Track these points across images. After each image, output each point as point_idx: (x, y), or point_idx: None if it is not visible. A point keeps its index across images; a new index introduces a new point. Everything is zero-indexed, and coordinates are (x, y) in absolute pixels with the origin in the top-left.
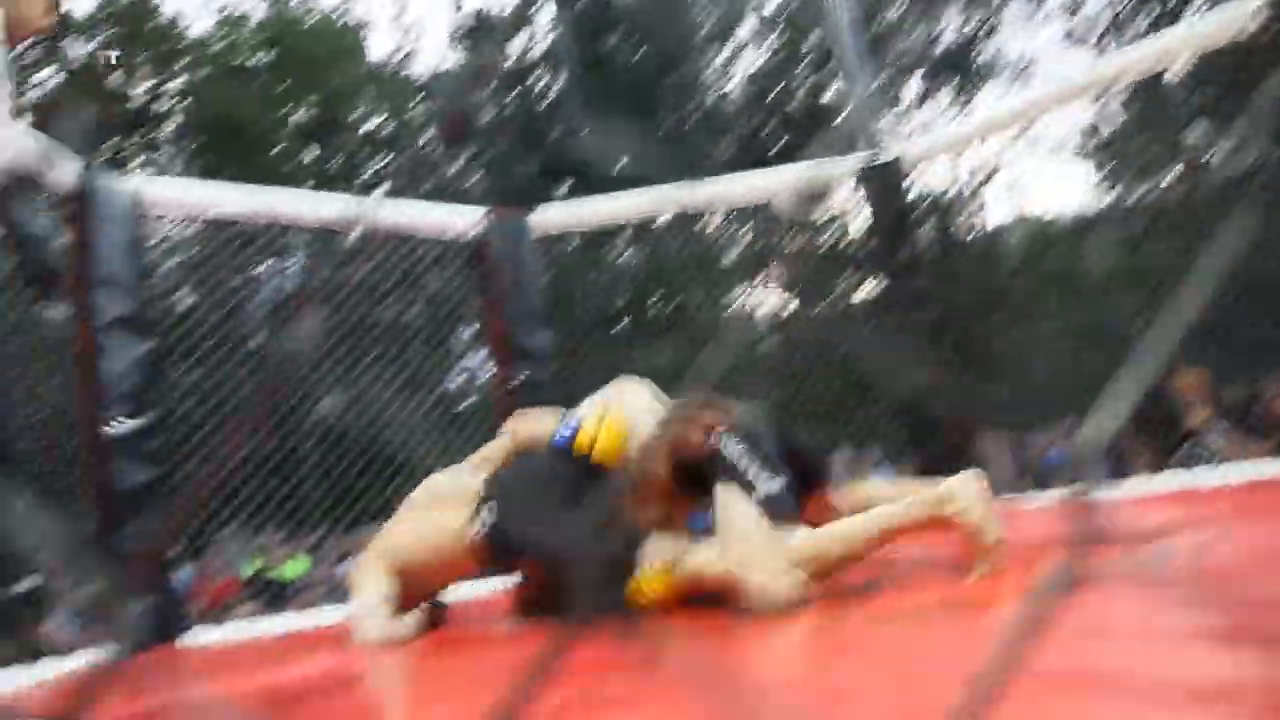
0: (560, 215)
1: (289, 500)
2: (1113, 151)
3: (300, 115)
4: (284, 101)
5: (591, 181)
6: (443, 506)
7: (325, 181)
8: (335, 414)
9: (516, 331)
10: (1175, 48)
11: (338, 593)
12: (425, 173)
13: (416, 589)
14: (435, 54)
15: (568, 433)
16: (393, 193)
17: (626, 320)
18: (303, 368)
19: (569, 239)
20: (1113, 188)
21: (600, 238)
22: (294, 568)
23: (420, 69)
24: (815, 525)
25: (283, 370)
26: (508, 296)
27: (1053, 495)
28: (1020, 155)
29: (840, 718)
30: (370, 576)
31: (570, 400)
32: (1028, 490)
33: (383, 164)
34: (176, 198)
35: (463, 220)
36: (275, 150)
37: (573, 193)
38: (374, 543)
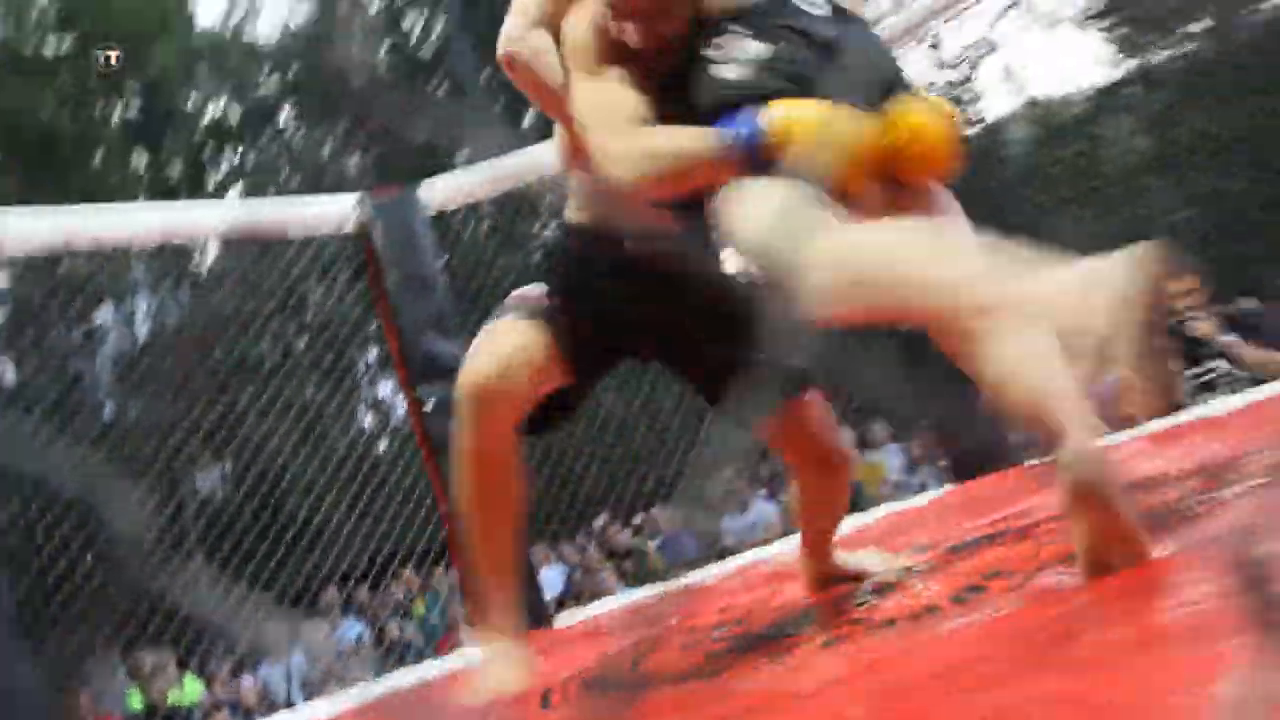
0: (457, 186)
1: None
2: (1119, 12)
3: (121, 110)
4: (100, 95)
5: (495, 141)
6: None
7: (168, 191)
8: (219, 484)
9: (418, 342)
10: None
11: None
12: (292, 161)
13: None
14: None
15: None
16: (251, 190)
17: None
18: (171, 432)
19: (477, 215)
20: (1128, 56)
21: (516, 206)
22: (190, 690)
23: (266, 29)
24: None
25: (145, 439)
26: (401, 299)
27: None
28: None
29: None
30: None
31: None
32: None
33: (236, 157)
34: None
35: (337, 209)
36: (98, 158)
37: (475, 157)
38: None
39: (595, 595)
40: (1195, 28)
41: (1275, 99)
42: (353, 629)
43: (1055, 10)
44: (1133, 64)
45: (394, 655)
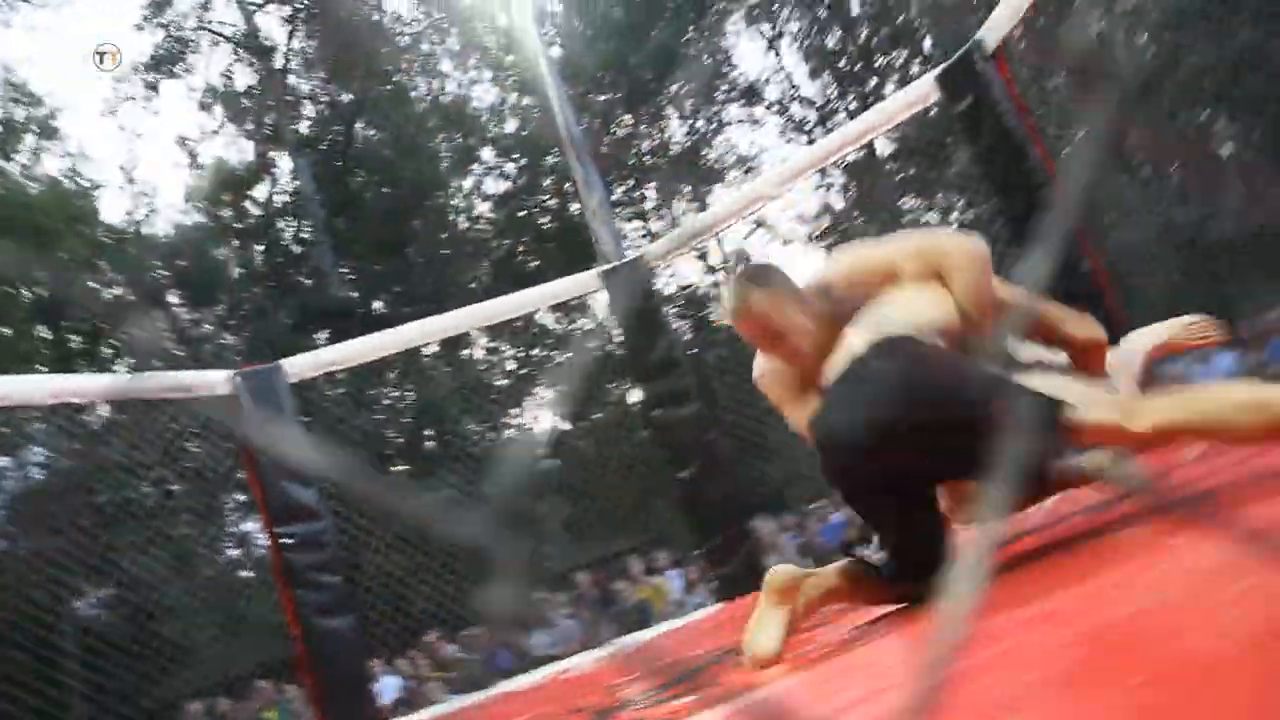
0: (316, 362)
1: None
2: (841, 233)
3: (30, 291)
4: (11, 279)
5: (352, 323)
6: None
7: (67, 359)
8: (100, 609)
9: (280, 489)
10: (874, 125)
11: None
12: (177, 338)
13: None
14: (177, 212)
15: None
16: (140, 364)
17: (401, 462)
18: (56, 564)
19: (333, 386)
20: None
21: (366, 380)
22: None
23: (163, 227)
24: None
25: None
26: (265, 454)
27: None
28: (757, 248)
29: None
30: None
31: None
32: None
33: (126, 333)
34: None
35: (211, 382)
36: (9, 331)
37: (335, 337)
38: None
39: (428, 702)
40: None
41: None
42: None
43: (790, 231)
44: None
45: None
